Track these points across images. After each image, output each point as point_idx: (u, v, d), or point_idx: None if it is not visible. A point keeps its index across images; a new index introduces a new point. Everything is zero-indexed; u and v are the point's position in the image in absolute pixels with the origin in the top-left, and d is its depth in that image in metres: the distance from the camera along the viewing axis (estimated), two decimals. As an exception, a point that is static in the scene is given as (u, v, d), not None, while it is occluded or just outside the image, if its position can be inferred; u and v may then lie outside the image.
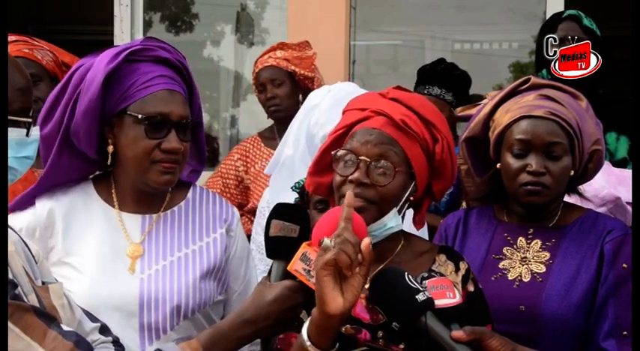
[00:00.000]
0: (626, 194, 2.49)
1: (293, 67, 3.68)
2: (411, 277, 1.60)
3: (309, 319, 1.55)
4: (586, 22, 3.40)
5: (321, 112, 2.73)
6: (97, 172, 2.18)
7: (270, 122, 3.87)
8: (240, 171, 3.69)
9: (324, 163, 1.87)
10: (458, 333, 1.58)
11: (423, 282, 1.63)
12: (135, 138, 1.97)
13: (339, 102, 2.66)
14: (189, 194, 2.16)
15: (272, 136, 3.75)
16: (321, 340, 1.53)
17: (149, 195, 2.08)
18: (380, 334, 1.71)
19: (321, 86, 3.61)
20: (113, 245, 2.02)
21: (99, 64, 1.98)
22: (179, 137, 1.99)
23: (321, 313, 1.49)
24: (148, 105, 1.97)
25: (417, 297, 1.56)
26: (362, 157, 1.74)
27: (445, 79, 3.80)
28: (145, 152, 1.97)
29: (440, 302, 1.60)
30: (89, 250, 2.01)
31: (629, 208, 2.45)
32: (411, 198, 1.80)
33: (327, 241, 1.47)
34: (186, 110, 2.03)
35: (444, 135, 1.81)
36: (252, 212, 3.52)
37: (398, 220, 1.79)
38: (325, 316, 1.49)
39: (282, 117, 3.69)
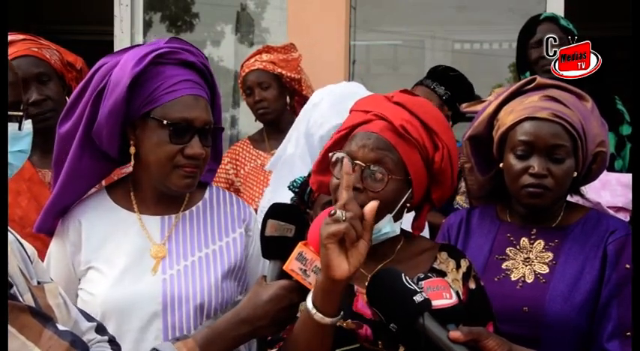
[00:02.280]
0: (610, 198, 2.48)
1: (279, 70, 3.70)
2: (407, 278, 1.60)
3: (313, 289, 1.57)
4: (563, 22, 3.43)
5: (320, 112, 2.73)
6: (110, 182, 2.18)
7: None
8: (230, 174, 3.72)
9: (326, 162, 1.86)
10: (455, 333, 1.59)
11: (420, 283, 1.64)
12: (158, 143, 1.96)
13: (338, 102, 2.67)
14: (207, 194, 2.16)
15: (261, 139, 3.79)
16: (327, 306, 1.55)
17: (169, 196, 2.07)
18: (380, 342, 1.72)
19: (308, 87, 3.64)
20: (136, 248, 2.02)
21: (124, 66, 1.96)
22: (202, 142, 1.98)
23: (327, 279, 1.52)
24: (172, 110, 1.95)
25: (414, 298, 1.56)
26: (357, 162, 1.73)
27: (444, 78, 3.85)
28: (167, 157, 1.97)
29: (437, 303, 1.60)
30: (112, 255, 2.02)
31: (612, 212, 2.44)
32: (408, 204, 1.80)
33: (339, 213, 1.49)
34: (210, 115, 2.02)
35: (446, 143, 1.80)
36: None
37: (393, 226, 1.79)
38: (331, 281, 1.52)
39: (270, 119, 3.73)
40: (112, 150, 2.03)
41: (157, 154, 1.97)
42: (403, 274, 1.59)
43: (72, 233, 2.06)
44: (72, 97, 2.07)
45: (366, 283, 1.64)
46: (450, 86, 3.84)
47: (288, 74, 3.70)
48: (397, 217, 1.80)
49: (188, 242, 2.06)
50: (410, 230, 1.92)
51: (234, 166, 3.73)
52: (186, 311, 1.97)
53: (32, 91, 2.65)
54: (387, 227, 1.77)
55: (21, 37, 2.77)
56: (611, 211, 2.43)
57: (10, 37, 2.70)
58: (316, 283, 1.56)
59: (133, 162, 2.04)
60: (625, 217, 2.52)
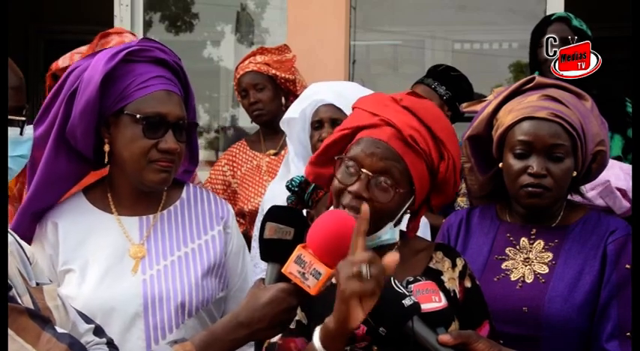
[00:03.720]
0: (614, 180, 2.48)
1: (274, 71, 3.70)
2: (396, 281, 1.59)
3: (321, 328, 1.56)
4: (575, 22, 3.41)
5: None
6: (88, 185, 2.17)
7: None
8: (227, 176, 3.73)
9: (327, 156, 1.85)
10: (445, 337, 1.59)
11: (409, 286, 1.64)
12: (132, 138, 1.97)
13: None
14: (184, 193, 2.17)
15: (257, 140, 3.79)
16: (336, 347, 1.55)
17: (146, 196, 2.08)
18: (375, 349, 1.72)
19: (303, 87, 3.65)
20: (115, 248, 2.02)
21: (96, 65, 1.98)
22: (176, 137, 2.00)
23: (341, 328, 1.50)
24: (145, 105, 1.97)
25: (403, 302, 1.56)
26: (364, 170, 1.72)
27: (445, 78, 3.84)
28: (142, 152, 1.97)
29: (426, 306, 1.61)
30: (91, 257, 2.02)
31: (618, 193, 2.44)
32: (408, 211, 1.80)
33: (364, 270, 1.45)
34: (183, 111, 2.04)
35: (452, 154, 1.78)
36: (240, 215, 3.57)
37: (393, 233, 1.79)
38: (347, 329, 1.50)
39: (266, 121, 3.73)
40: (86, 149, 2.03)
41: (131, 149, 1.98)
42: (392, 278, 1.59)
43: (50, 235, 2.05)
44: (45, 101, 2.08)
45: None
46: (451, 86, 3.83)
47: (283, 75, 3.70)
48: (397, 224, 1.80)
49: (167, 241, 2.07)
50: (405, 230, 1.93)
51: (231, 168, 3.73)
52: (167, 311, 1.98)
53: None
54: (388, 234, 1.77)
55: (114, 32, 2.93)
56: (617, 193, 2.43)
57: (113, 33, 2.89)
58: (326, 327, 1.54)
59: (107, 160, 2.04)
60: (628, 202, 2.51)
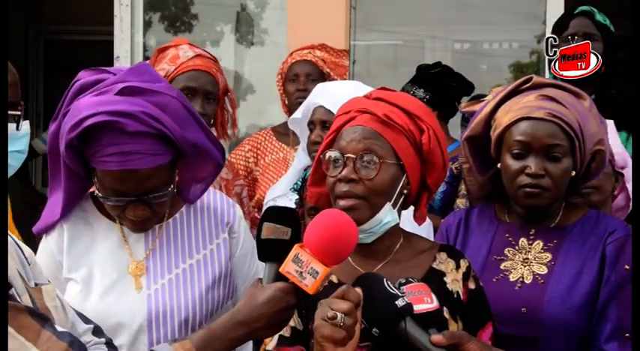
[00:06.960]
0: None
1: (327, 70, 3.72)
2: (389, 282, 1.60)
3: None
4: (599, 17, 3.38)
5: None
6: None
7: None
8: (250, 162, 3.67)
9: (320, 172, 1.88)
10: (437, 337, 1.61)
11: (401, 287, 1.65)
12: (102, 199, 1.97)
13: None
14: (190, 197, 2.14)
15: (285, 132, 3.71)
16: None
17: None
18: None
19: None
20: (118, 262, 2.02)
21: (67, 123, 1.87)
22: (147, 201, 1.94)
23: None
24: (105, 180, 1.91)
25: (396, 303, 1.58)
26: (348, 155, 1.77)
27: (423, 79, 3.83)
28: (112, 211, 1.98)
29: (418, 307, 1.62)
30: (94, 268, 2.01)
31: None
32: (405, 191, 1.81)
33: (339, 317, 1.50)
34: (152, 181, 1.91)
35: (430, 125, 1.83)
36: (258, 205, 3.52)
37: (393, 215, 1.80)
38: None
39: None
40: (83, 174, 2.00)
41: (106, 205, 1.98)
42: (385, 279, 1.61)
43: (58, 240, 2.05)
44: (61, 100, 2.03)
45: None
46: (431, 86, 3.80)
47: (334, 78, 3.69)
48: (395, 206, 1.81)
49: (172, 253, 2.05)
50: (409, 230, 1.93)
51: (255, 155, 3.67)
52: (171, 326, 1.98)
53: (197, 104, 2.85)
54: (388, 216, 1.79)
55: (207, 54, 3.06)
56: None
57: (197, 50, 2.99)
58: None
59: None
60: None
